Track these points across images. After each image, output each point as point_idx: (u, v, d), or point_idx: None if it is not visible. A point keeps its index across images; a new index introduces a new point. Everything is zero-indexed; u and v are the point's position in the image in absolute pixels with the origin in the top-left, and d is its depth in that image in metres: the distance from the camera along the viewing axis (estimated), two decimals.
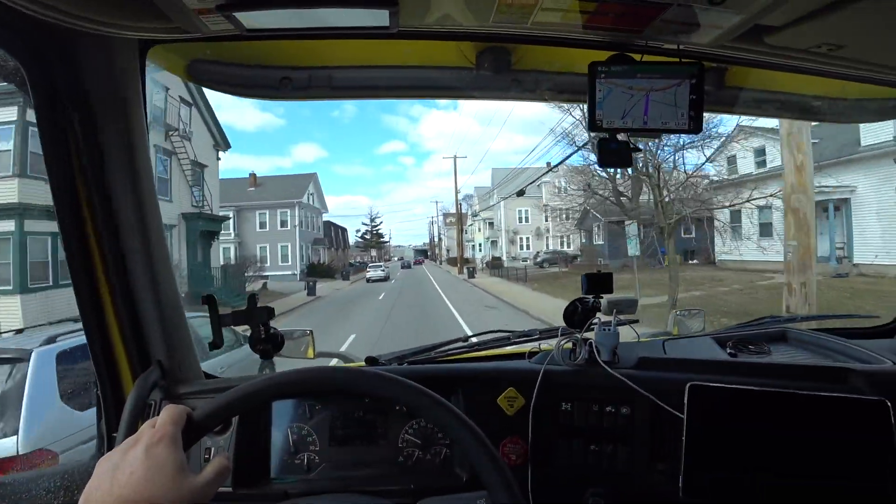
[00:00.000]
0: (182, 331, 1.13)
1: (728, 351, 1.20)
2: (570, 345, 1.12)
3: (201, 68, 1.10)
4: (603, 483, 1.02)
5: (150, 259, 1.04)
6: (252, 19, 0.82)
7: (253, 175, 39.47)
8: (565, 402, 1.05)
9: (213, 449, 1.03)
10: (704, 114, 1.02)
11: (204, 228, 19.21)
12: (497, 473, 0.66)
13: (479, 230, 54.43)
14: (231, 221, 29.41)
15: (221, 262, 22.88)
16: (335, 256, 43.77)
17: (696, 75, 0.96)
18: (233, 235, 31.54)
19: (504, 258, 39.51)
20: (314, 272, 31.06)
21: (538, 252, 37.18)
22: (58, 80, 0.91)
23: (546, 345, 1.20)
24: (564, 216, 29.44)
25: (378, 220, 77.38)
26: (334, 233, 47.30)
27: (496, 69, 1.14)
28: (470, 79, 1.18)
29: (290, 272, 32.97)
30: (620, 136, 1.03)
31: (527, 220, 43.95)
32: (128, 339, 1.04)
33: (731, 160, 19.10)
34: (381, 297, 20.53)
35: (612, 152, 1.02)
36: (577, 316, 1.14)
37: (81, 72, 0.92)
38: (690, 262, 22.51)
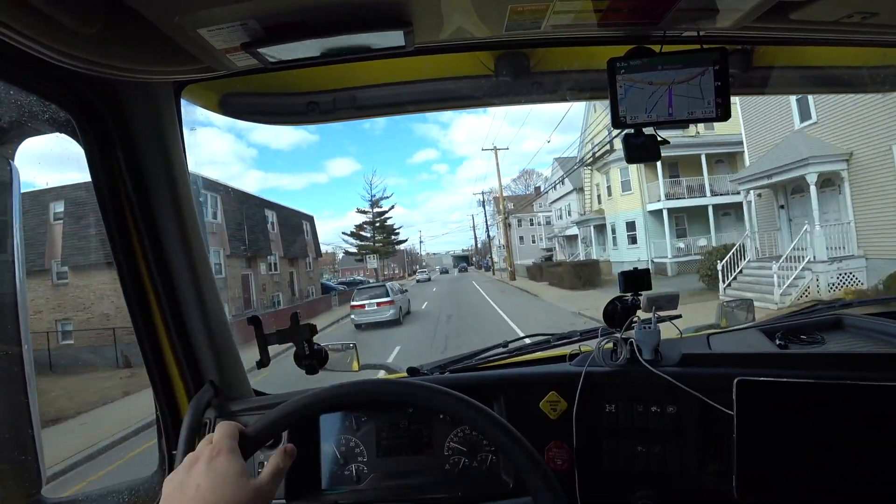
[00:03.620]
0: (231, 351, 1.18)
1: (777, 342, 1.15)
2: (610, 345, 1.11)
3: (232, 101, 1.15)
4: (652, 485, 0.99)
5: (197, 285, 1.10)
6: (275, 53, 0.87)
7: None
8: (609, 404, 1.03)
9: (265, 462, 1.08)
10: (733, 97, 0.99)
11: None
12: (539, 476, 0.66)
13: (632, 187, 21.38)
14: None
15: None
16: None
17: (719, 61, 0.93)
18: None
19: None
20: None
21: None
22: (104, 126, 0.98)
23: (586, 346, 1.19)
24: None
25: (385, 203, 45.77)
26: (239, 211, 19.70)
27: (515, 74, 1.15)
28: (490, 86, 1.19)
29: None
30: (646, 130, 1.01)
31: None
32: (181, 361, 1.10)
33: None
34: None
35: (639, 147, 1.00)
36: (617, 315, 1.12)
37: (124, 116, 0.99)
38: None
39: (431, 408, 0.88)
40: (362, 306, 15.62)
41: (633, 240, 21.88)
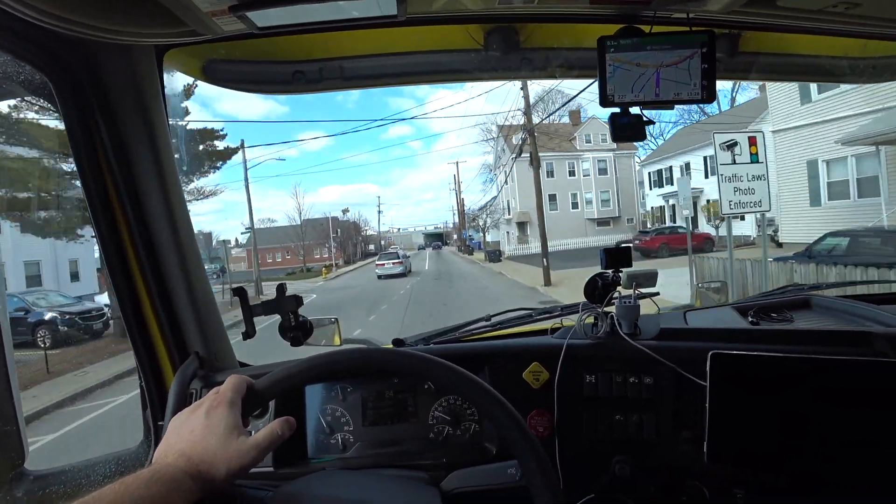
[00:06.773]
0: (216, 322, 1.18)
1: (749, 319, 1.20)
2: (591, 319, 1.14)
3: (216, 68, 1.12)
4: (629, 451, 1.04)
5: (181, 255, 1.09)
6: (263, 17, 0.84)
7: None
8: (589, 375, 1.07)
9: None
10: (719, 81, 1.01)
11: None
12: (525, 442, 0.69)
13: None
14: None
15: None
16: None
17: (707, 44, 0.94)
18: None
19: None
20: None
21: None
22: (82, 89, 0.94)
23: (568, 321, 1.22)
24: None
25: None
26: None
27: (505, 49, 1.14)
28: (479, 60, 1.19)
29: None
30: (633, 109, 1.03)
31: None
32: (166, 333, 1.09)
33: None
34: None
35: (625, 126, 1.02)
36: (598, 291, 1.15)
37: (104, 80, 0.96)
38: None
39: (424, 377, 0.94)
40: (383, 265, 25.91)
41: None
